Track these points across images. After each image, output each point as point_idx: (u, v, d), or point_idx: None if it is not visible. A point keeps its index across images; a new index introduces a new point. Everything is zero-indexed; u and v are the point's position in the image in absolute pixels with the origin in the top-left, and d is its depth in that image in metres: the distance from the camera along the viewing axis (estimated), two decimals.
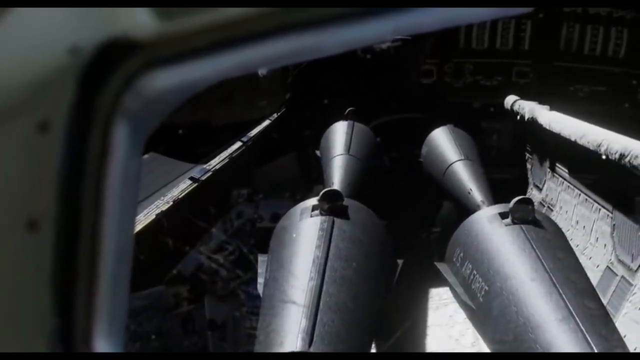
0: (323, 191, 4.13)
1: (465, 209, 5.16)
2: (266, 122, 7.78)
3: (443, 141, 6.62)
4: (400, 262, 4.41)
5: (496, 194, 5.18)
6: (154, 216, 4.69)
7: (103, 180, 0.67)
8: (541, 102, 6.55)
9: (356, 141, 6.55)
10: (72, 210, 0.66)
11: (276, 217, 4.93)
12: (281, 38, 0.66)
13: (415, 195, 7.27)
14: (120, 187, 0.69)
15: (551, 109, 6.27)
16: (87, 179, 0.67)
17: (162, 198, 5.14)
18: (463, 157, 6.08)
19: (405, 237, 5.99)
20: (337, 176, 5.82)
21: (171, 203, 5.00)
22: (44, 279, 0.65)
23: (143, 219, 4.58)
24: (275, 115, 8.01)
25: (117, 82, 0.67)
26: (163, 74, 0.68)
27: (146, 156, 6.95)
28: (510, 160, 7.60)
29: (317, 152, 6.98)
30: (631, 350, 3.36)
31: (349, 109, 7.12)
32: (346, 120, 7.01)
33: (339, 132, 6.74)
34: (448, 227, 6.93)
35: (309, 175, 7.63)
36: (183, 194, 5.28)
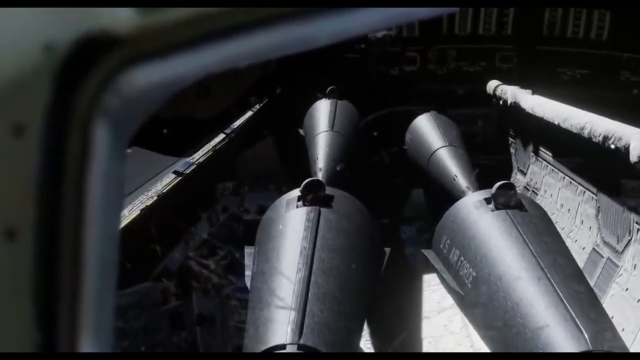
0: (305, 182, 4.10)
1: (451, 195, 5.16)
2: (249, 113, 7.73)
3: (427, 128, 6.60)
4: (387, 250, 4.39)
5: (482, 180, 5.18)
6: (138, 211, 4.65)
7: (84, 185, 0.64)
8: (525, 87, 6.55)
9: (340, 118, 6.53)
10: (52, 217, 0.63)
11: (262, 210, 4.91)
12: (265, 31, 0.64)
13: (399, 182, 7.28)
14: (102, 191, 0.66)
15: (535, 93, 6.27)
16: (66, 183, 0.63)
17: (146, 192, 5.10)
18: (447, 144, 6.07)
19: (392, 225, 6.00)
20: (321, 153, 5.80)
21: (155, 197, 4.96)
22: (25, 291, 0.62)
23: (128, 214, 4.54)
24: (257, 106, 7.96)
25: (96, 80, 0.64)
26: (144, 71, 0.65)
27: (129, 150, 6.88)
28: (495, 146, 7.60)
29: (301, 131, 6.93)
30: (619, 330, 3.37)
31: (330, 87, 7.08)
32: (328, 98, 6.97)
33: (322, 110, 6.72)
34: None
35: (287, 159, 7.57)
36: (167, 188, 5.24)
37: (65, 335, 0.64)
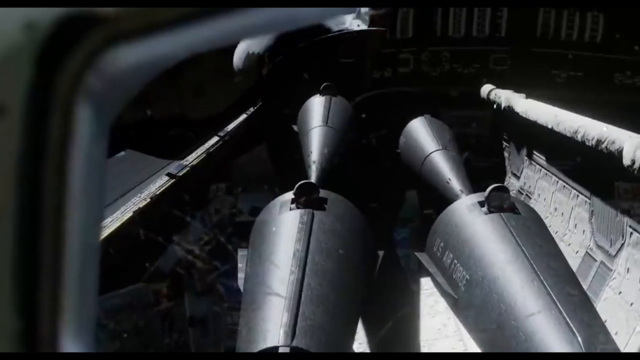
0: (298, 184, 4.09)
1: (445, 198, 5.15)
2: (243, 116, 7.72)
3: (420, 132, 6.60)
4: (380, 253, 4.39)
5: (476, 183, 5.18)
6: (131, 213, 4.63)
7: (66, 168, 0.62)
8: (519, 89, 6.56)
9: (334, 113, 6.51)
10: (32, 201, 0.61)
11: (255, 211, 4.89)
12: (249, 9, 0.62)
13: (393, 185, 7.27)
14: (85, 174, 0.64)
15: (529, 95, 6.28)
16: (48, 166, 0.61)
17: (139, 195, 5.08)
18: (441, 147, 6.08)
19: (385, 228, 5.99)
20: (315, 147, 5.78)
21: (148, 200, 4.95)
22: (4, 277, 0.61)
23: (121, 216, 4.52)
24: (252, 109, 7.96)
25: (78, 60, 0.62)
26: (128, 50, 0.63)
27: (122, 153, 6.89)
28: (489, 148, 7.61)
29: (295, 127, 6.90)
30: (612, 333, 3.37)
31: (325, 83, 7.04)
32: (322, 95, 6.95)
33: (316, 106, 6.70)
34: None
35: (281, 161, 7.55)
36: (160, 190, 5.22)
37: (47, 321, 0.62)
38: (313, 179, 5.49)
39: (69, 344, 0.63)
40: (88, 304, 0.66)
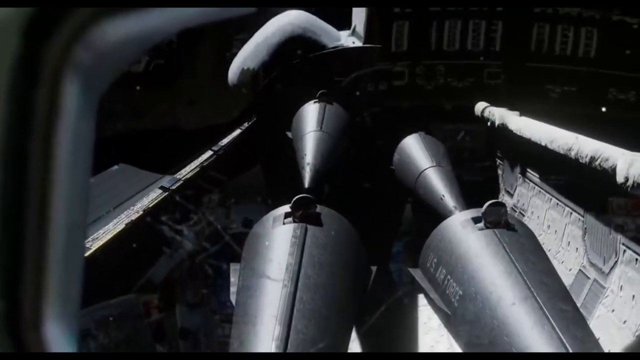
0: (295, 198, 4.09)
1: (438, 214, 5.16)
2: (237, 131, 7.73)
3: (414, 148, 6.61)
4: (374, 268, 4.38)
5: (469, 197, 5.19)
6: (123, 225, 4.62)
7: (52, 144, 0.60)
8: (513, 103, 6.58)
9: (329, 119, 6.48)
10: (17, 177, 0.59)
11: (248, 223, 4.88)
12: None
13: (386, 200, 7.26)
14: (71, 151, 0.62)
15: (523, 110, 6.31)
16: (33, 142, 0.60)
17: (131, 207, 5.07)
18: (435, 164, 6.09)
19: (378, 243, 5.97)
20: (309, 150, 5.76)
21: (141, 212, 4.93)
22: None
23: (113, 228, 4.51)
24: (246, 124, 7.96)
25: (66, 32, 0.60)
26: (117, 24, 0.62)
27: (116, 167, 6.88)
28: (483, 162, 7.62)
29: (289, 134, 6.87)
30: (605, 351, 3.36)
31: (321, 91, 7.00)
32: (318, 102, 6.91)
33: (311, 112, 6.66)
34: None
35: (274, 174, 7.52)
36: (153, 203, 5.21)
37: (30, 303, 0.60)
38: (307, 180, 5.50)
39: (52, 327, 0.61)
40: (73, 285, 0.64)
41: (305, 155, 5.63)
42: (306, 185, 5.61)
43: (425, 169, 6.08)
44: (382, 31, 7.91)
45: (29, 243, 0.59)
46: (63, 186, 0.61)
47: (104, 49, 0.62)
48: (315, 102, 6.86)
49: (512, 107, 6.54)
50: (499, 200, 6.29)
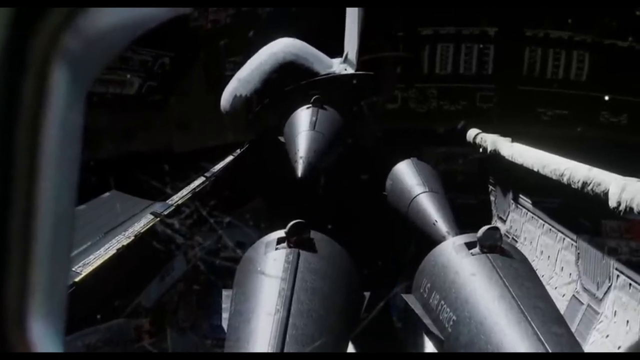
0: (290, 224, 4.07)
1: (432, 240, 5.15)
2: (229, 158, 7.72)
3: (407, 174, 6.62)
4: (367, 294, 4.36)
5: (462, 222, 5.19)
6: (114, 250, 4.60)
7: (39, 134, 0.58)
8: (505, 127, 6.61)
9: (322, 121, 6.42)
10: (3, 168, 0.57)
11: (240, 246, 4.85)
12: None
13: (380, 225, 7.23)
14: (59, 141, 0.60)
15: (515, 133, 6.34)
16: (20, 132, 0.58)
17: (123, 233, 5.04)
18: (427, 189, 6.09)
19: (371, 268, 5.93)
20: (302, 146, 5.73)
21: (132, 238, 4.91)
22: None
23: (103, 254, 4.48)
24: (238, 151, 7.96)
25: (56, 18, 0.59)
26: (107, 10, 0.60)
27: (107, 194, 6.86)
28: (476, 185, 7.63)
29: (281, 138, 6.80)
30: None
31: (315, 96, 6.93)
32: (311, 107, 6.80)
33: (304, 115, 6.60)
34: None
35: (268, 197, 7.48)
36: (145, 229, 5.18)
37: (15, 301, 0.58)
38: (299, 171, 5.48)
39: (37, 323, 0.59)
40: (60, 279, 0.62)
41: (298, 150, 5.60)
42: (299, 174, 5.59)
43: (417, 195, 6.09)
44: (374, 57, 7.95)
45: (14, 238, 0.57)
46: (51, 178, 0.59)
47: (93, 36, 0.61)
48: (308, 107, 6.82)
49: (504, 131, 6.57)
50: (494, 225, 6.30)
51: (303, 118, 6.53)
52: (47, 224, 0.59)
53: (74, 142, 0.63)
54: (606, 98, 7.62)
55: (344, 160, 6.52)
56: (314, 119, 6.38)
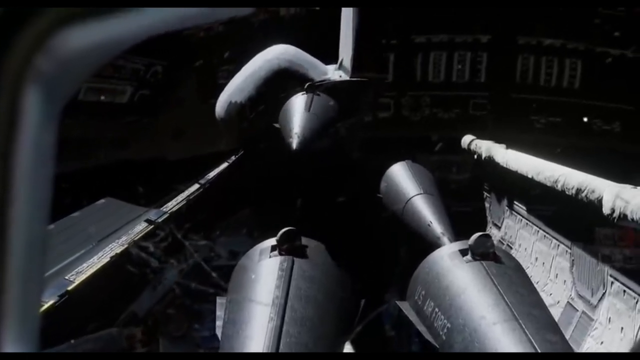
0: (281, 231, 4.06)
1: (426, 241, 5.13)
2: (224, 165, 7.70)
3: (401, 176, 6.61)
4: (362, 301, 4.34)
5: (457, 228, 5.17)
6: (108, 258, 4.57)
7: (11, 157, 0.57)
8: (498, 134, 6.61)
9: (317, 105, 6.48)
10: None
11: (233, 255, 4.83)
12: None
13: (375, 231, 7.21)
14: (31, 164, 0.59)
15: (508, 140, 6.34)
16: None
17: (116, 241, 5.02)
18: (422, 192, 6.08)
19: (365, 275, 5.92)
20: (297, 123, 5.78)
21: (126, 245, 4.88)
22: None
23: (97, 261, 4.46)
24: (233, 158, 7.94)
25: (27, 40, 0.58)
26: (79, 31, 0.59)
27: (102, 201, 6.83)
28: (470, 192, 7.62)
29: (276, 125, 6.80)
30: None
31: (308, 83, 6.97)
32: (305, 94, 6.80)
33: (299, 100, 6.63)
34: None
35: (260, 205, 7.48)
36: (138, 236, 5.16)
37: None
38: (294, 144, 5.53)
39: (11, 326, 0.58)
40: (33, 303, 0.61)
41: (293, 128, 5.65)
42: (294, 147, 5.68)
43: (412, 197, 6.07)
44: (368, 64, 7.95)
45: None
46: (23, 199, 0.58)
47: (66, 57, 0.60)
48: (302, 93, 6.83)
49: (497, 138, 6.57)
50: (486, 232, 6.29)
51: (298, 102, 6.57)
52: (19, 248, 0.58)
53: (46, 162, 0.62)
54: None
55: (335, 144, 6.61)
56: (308, 102, 6.45)
